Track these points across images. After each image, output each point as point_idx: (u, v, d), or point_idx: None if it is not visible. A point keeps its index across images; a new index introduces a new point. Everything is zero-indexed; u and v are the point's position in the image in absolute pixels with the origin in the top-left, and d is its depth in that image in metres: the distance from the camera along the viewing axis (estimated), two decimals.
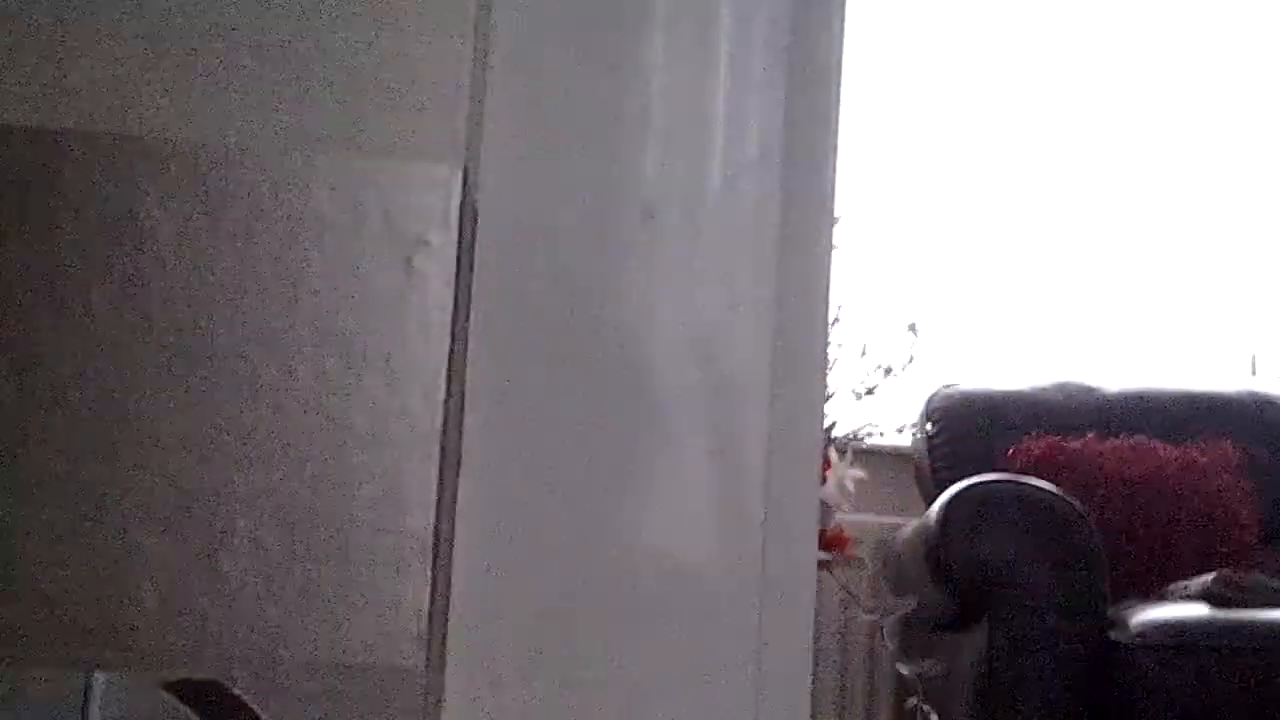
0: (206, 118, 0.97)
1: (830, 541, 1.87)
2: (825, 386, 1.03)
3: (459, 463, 0.94)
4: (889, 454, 3.46)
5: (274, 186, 0.92)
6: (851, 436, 2.07)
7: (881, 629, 1.94)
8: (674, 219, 0.98)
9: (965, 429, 3.24)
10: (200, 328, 0.92)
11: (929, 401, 3.31)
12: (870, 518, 3.36)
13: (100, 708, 0.69)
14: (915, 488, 3.38)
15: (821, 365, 1.04)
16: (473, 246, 0.95)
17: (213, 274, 0.92)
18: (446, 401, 0.93)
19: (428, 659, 0.92)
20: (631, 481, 0.96)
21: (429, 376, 0.93)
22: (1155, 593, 2.90)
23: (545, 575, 0.94)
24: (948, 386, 3.33)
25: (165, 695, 0.70)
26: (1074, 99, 3.78)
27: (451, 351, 0.94)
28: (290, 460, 0.91)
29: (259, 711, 0.87)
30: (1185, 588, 2.83)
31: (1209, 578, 2.78)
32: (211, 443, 0.91)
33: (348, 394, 0.92)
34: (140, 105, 0.98)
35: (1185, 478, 3.09)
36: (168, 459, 0.90)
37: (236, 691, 0.84)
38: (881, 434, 2.20)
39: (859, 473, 1.96)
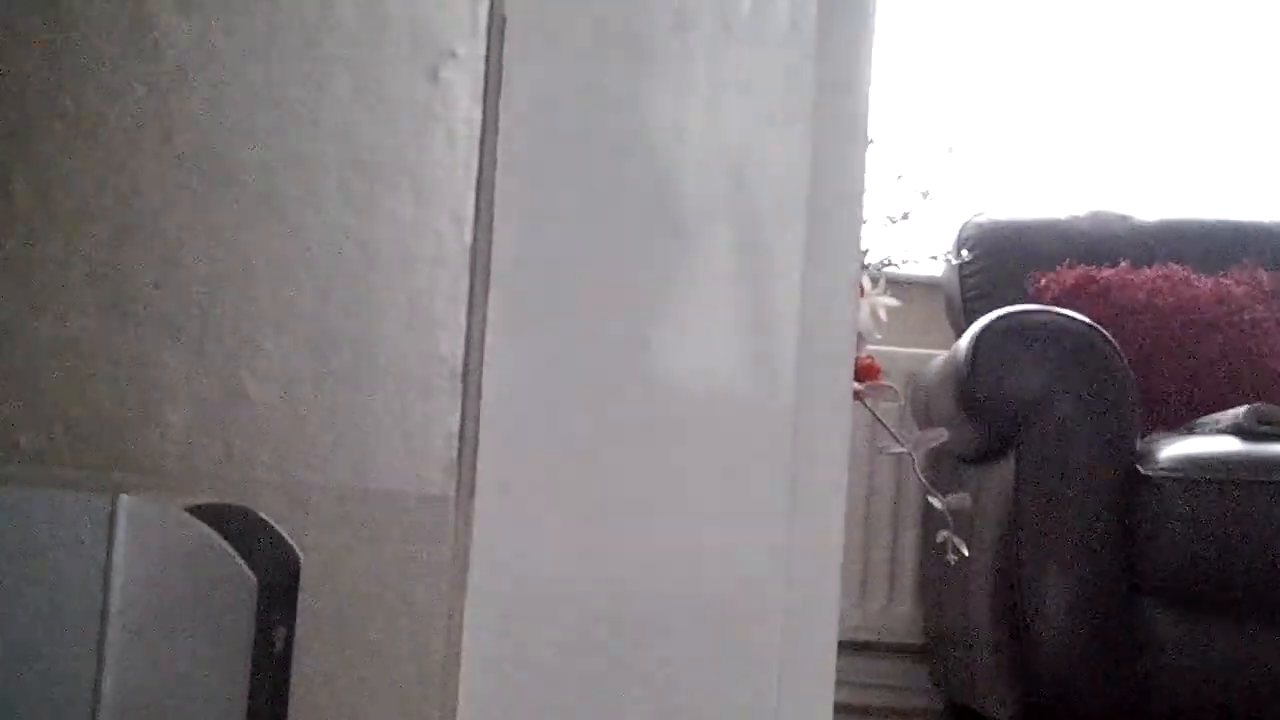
0: None
1: (862, 371, 1.85)
2: (862, 208, 1.00)
3: (488, 284, 0.92)
4: (920, 284, 3.44)
5: None
6: (885, 263, 2.04)
7: (912, 461, 1.92)
8: (707, 29, 0.95)
9: (997, 258, 3.22)
10: (221, 143, 0.89)
11: (961, 230, 3.28)
12: (901, 349, 3.35)
13: (127, 532, 0.68)
14: (945, 319, 3.36)
15: (860, 186, 1.01)
16: (501, 58, 0.92)
17: (232, 86, 0.89)
18: (475, 220, 0.91)
19: (457, 486, 0.91)
20: (662, 305, 0.94)
21: (457, 194, 0.90)
22: (1186, 425, 2.89)
23: (575, 401, 0.93)
24: (980, 215, 3.30)
25: (193, 521, 0.69)
26: None
27: (480, 168, 0.91)
28: (315, 281, 0.89)
29: (288, 539, 0.86)
30: (1216, 421, 2.82)
31: (1240, 411, 2.77)
32: (234, 263, 0.88)
33: (373, 212, 0.89)
34: None
35: (1219, 308, 3.06)
36: (190, 279, 0.88)
37: (264, 517, 0.83)
38: (916, 261, 2.16)
39: (892, 301, 1.93)
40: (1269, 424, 2.73)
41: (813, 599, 0.96)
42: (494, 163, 0.92)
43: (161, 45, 0.89)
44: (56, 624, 0.67)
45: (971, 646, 2.82)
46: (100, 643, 0.67)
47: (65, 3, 0.88)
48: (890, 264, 2.06)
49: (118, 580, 0.68)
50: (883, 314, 1.92)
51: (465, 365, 0.91)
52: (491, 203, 0.92)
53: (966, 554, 2.04)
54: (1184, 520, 2.54)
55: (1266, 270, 3.17)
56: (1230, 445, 2.65)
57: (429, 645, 0.89)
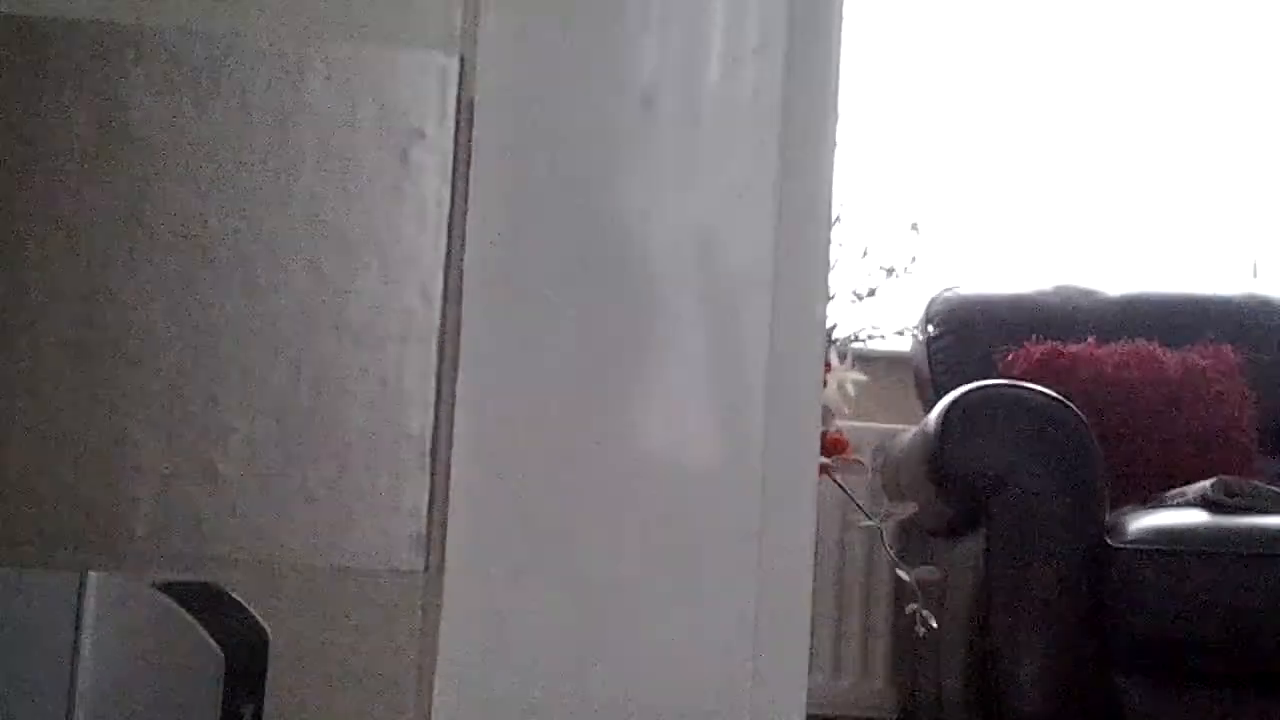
0: (195, 4, 0.94)
1: (830, 446, 1.86)
2: (828, 284, 1.01)
3: (457, 361, 0.92)
4: (888, 359, 3.46)
5: (266, 76, 0.90)
6: (852, 338, 2.05)
7: (881, 534, 1.93)
8: (673, 108, 0.96)
9: (965, 333, 3.23)
10: (192, 223, 0.90)
11: (929, 305, 3.30)
12: (869, 424, 3.36)
13: (95, 610, 0.68)
14: (914, 394, 3.37)
15: (824, 261, 1.02)
16: (470, 138, 0.93)
17: (204, 167, 0.90)
18: (444, 298, 0.92)
19: (426, 562, 0.91)
20: (631, 382, 0.94)
21: (426, 272, 0.91)
22: (1154, 498, 2.90)
23: (545, 477, 0.93)
24: (948, 290, 3.31)
25: (161, 597, 0.69)
26: (1078, 3, 3.74)
27: (449, 246, 0.92)
28: (286, 359, 0.89)
29: (256, 615, 0.86)
30: (1184, 494, 2.83)
31: (1208, 483, 2.78)
32: (206, 342, 0.89)
33: (343, 290, 0.90)
34: None
35: (1186, 382, 3.08)
36: (161, 358, 0.89)
37: (232, 594, 0.83)
38: (883, 337, 2.18)
39: (860, 376, 1.95)
40: (1236, 495, 2.74)
41: (781, 670, 0.96)
42: (463, 241, 0.93)
43: (132, 130, 0.90)
44: (25, 701, 0.67)
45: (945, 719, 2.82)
46: (68, 714, 0.67)
47: (38, 85, 0.89)
48: (858, 340, 2.07)
49: (86, 657, 0.68)
50: (850, 389, 1.93)
51: (434, 441, 0.91)
52: (461, 280, 0.93)
53: (935, 626, 2.04)
54: (1154, 592, 2.55)
55: (1231, 344, 3.19)
56: (1198, 517, 2.66)
57: (399, 718, 0.89)
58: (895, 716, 3.34)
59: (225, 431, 0.89)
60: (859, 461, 1.87)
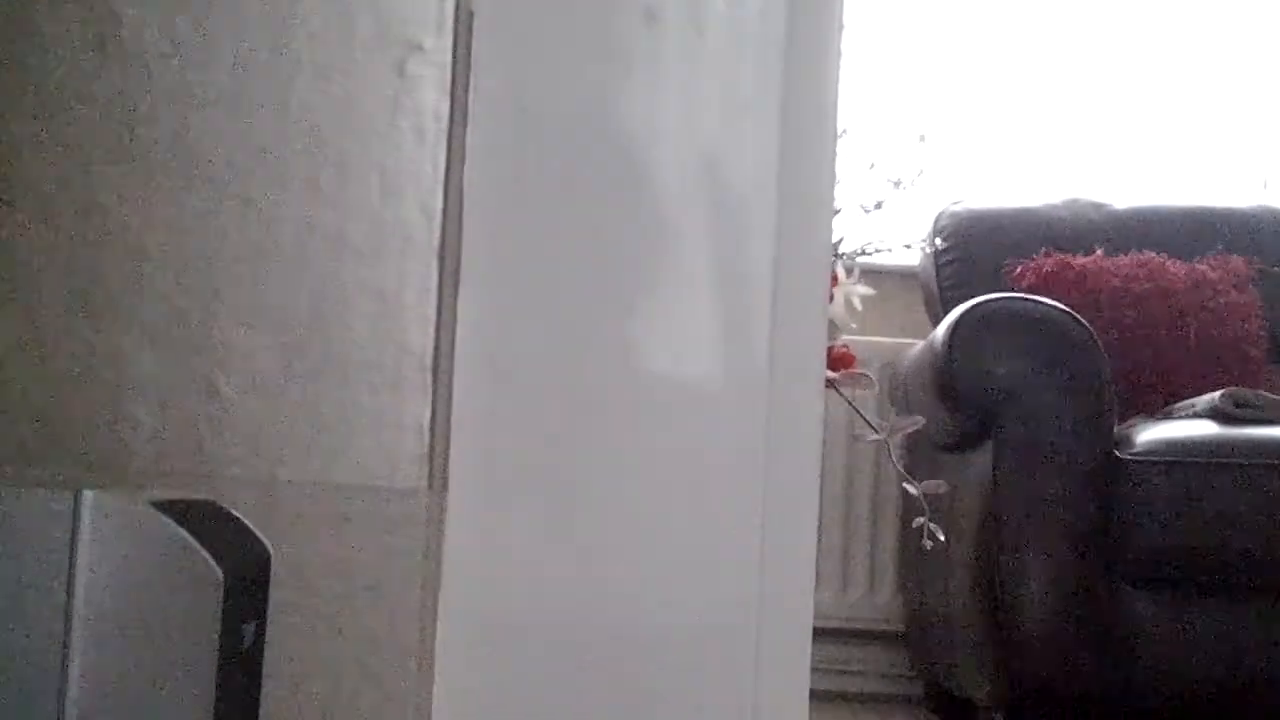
0: None
1: (836, 360, 1.85)
2: (834, 198, 1.00)
3: (458, 278, 0.92)
4: (896, 273, 3.44)
5: None
6: (859, 252, 2.04)
7: (888, 448, 1.93)
8: (676, 21, 0.95)
9: (973, 247, 3.22)
10: (186, 140, 0.89)
11: (937, 219, 3.28)
12: (877, 338, 3.35)
13: (90, 528, 0.68)
14: (922, 308, 3.36)
15: (830, 175, 1.01)
16: (469, 52, 0.92)
17: (200, 84, 0.89)
18: (444, 213, 0.91)
19: (430, 479, 0.91)
20: (634, 297, 0.94)
21: (425, 187, 0.90)
22: (1163, 410, 2.90)
23: (548, 394, 0.93)
24: (955, 204, 3.30)
25: (158, 515, 0.69)
26: None
27: (449, 162, 0.91)
28: (285, 276, 0.89)
29: (258, 533, 0.86)
30: (1193, 405, 2.83)
31: (1217, 395, 2.78)
32: (203, 259, 0.88)
33: (341, 206, 0.89)
34: None
35: (1195, 294, 3.07)
36: (159, 276, 0.88)
37: (232, 511, 0.83)
38: (890, 250, 2.17)
39: (867, 289, 1.94)
40: (1245, 406, 2.73)
41: (789, 583, 0.96)
42: (463, 157, 0.92)
43: (126, 45, 0.89)
44: (19, 621, 0.67)
45: (952, 633, 2.83)
46: (65, 640, 0.67)
47: (30, 8, 0.88)
48: (865, 253, 2.06)
49: (81, 576, 0.68)
50: (857, 303, 1.92)
51: (435, 358, 0.91)
52: (461, 196, 0.92)
53: (943, 540, 2.05)
54: (1162, 503, 2.55)
55: (1241, 256, 3.17)
56: (1207, 428, 2.66)
57: (403, 638, 0.89)
58: (902, 629, 3.35)
59: (224, 348, 0.88)
60: (865, 376, 1.87)
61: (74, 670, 0.67)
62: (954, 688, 2.92)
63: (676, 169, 0.95)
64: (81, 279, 0.88)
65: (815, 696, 1.00)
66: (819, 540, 0.99)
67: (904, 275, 3.46)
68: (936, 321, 2.96)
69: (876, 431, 1.87)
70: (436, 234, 0.90)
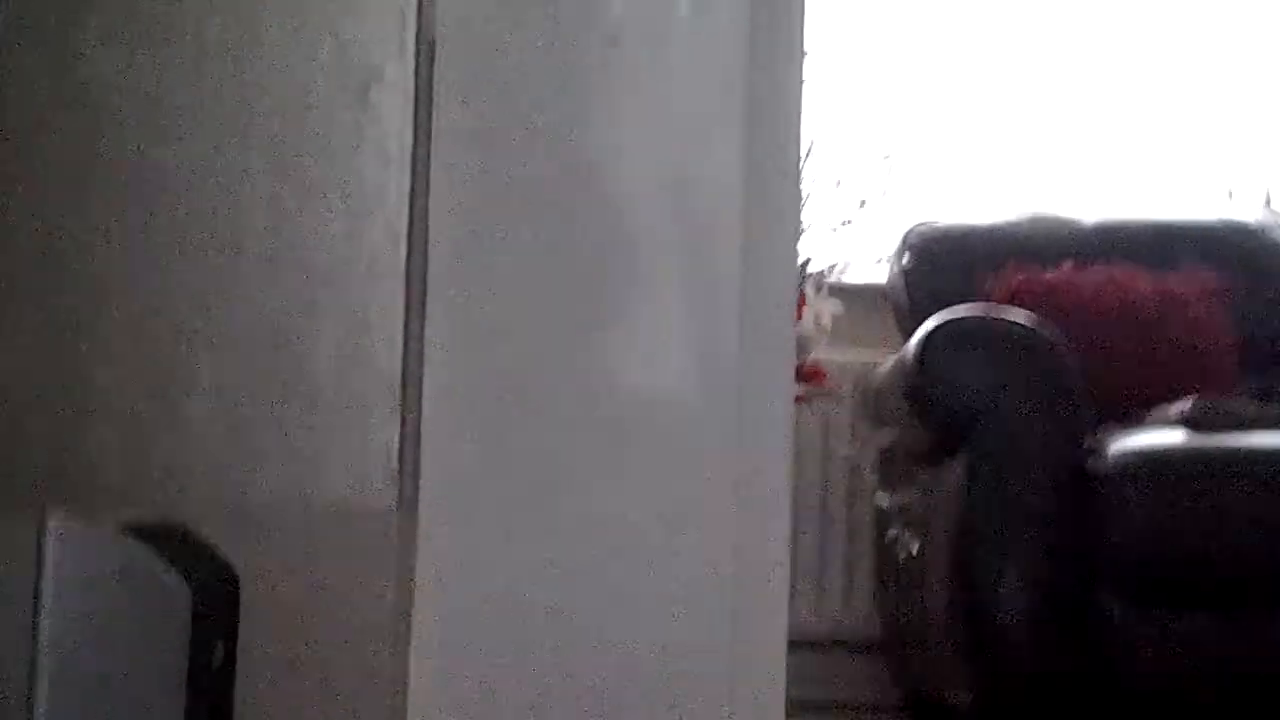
0: None
1: (807, 375, 1.87)
2: (800, 219, 1.01)
3: (425, 298, 0.92)
4: (865, 290, 3.45)
5: (219, 19, 0.89)
6: (827, 271, 2.05)
7: (871, 463, 1.94)
8: (639, 47, 0.96)
9: (942, 262, 3.23)
10: (150, 164, 0.89)
11: (905, 236, 3.29)
12: (847, 356, 3.36)
13: (56, 553, 0.68)
14: (892, 324, 3.37)
15: (795, 197, 1.02)
16: (431, 77, 0.93)
17: (161, 110, 0.89)
18: (410, 236, 0.91)
19: (399, 499, 0.91)
20: (604, 318, 0.94)
21: (390, 210, 0.91)
22: (1133, 420, 2.91)
23: (518, 413, 0.93)
24: (924, 221, 3.31)
25: (125, 538, 0.69)
26: None
27: (413, 185, 0.92)
28: (250, 300, 0.89)
29: (227, 556, 0.86)
30: (1165, 414, 2.84)
31: (1187, 403, 2.79)
32: (168, 285, 0.89)
33: (306, 228, 0.90)
34: None
35: (1163, 306, 3.08)
36: (124, 300, 0.89)
37: (199, 534, 0.83)
38: (857, 269, 2.18)
39: (835, 307, 1.95)
40: (1215, 415, 2.75)
41: (762, 596, 0.97)
42: (427, 180, 0.93)
43: (87, 74, 0.90)
44: None
45: (929, 642, 2.84)
46: (32, 662, 0.67)
47: None
48: (832, 272, 2.08)
49: (47, 601, 0.68)
50: (827, 320, 1.93)
51: (404, 378, 0.91)
52: (426, 219, 0.92)
53: (914, 554, 2.06)
54: (1136, 513, 2.56)
55: (1209, 269, 3.19)
56: (1178, 439, 2.67)
57: (375, 657, 0.89)
58: (880, 638, 3.36)
59: (190, 372, 0.89)
60: (834, 390, 1.88)
61: (41, 690, 0.68)
62: (932, 696, 2.92)
63: (641, 189, 0.95)
64: (46, 305, 0.88)
65: (794, 706, 1.00)
66: (794, 554, 0.99)
67: (873, 291, 3.47)
68: (908, 337, 2.97)
69: (849, 445, 1.88)
70: (402, 256, 0.91)
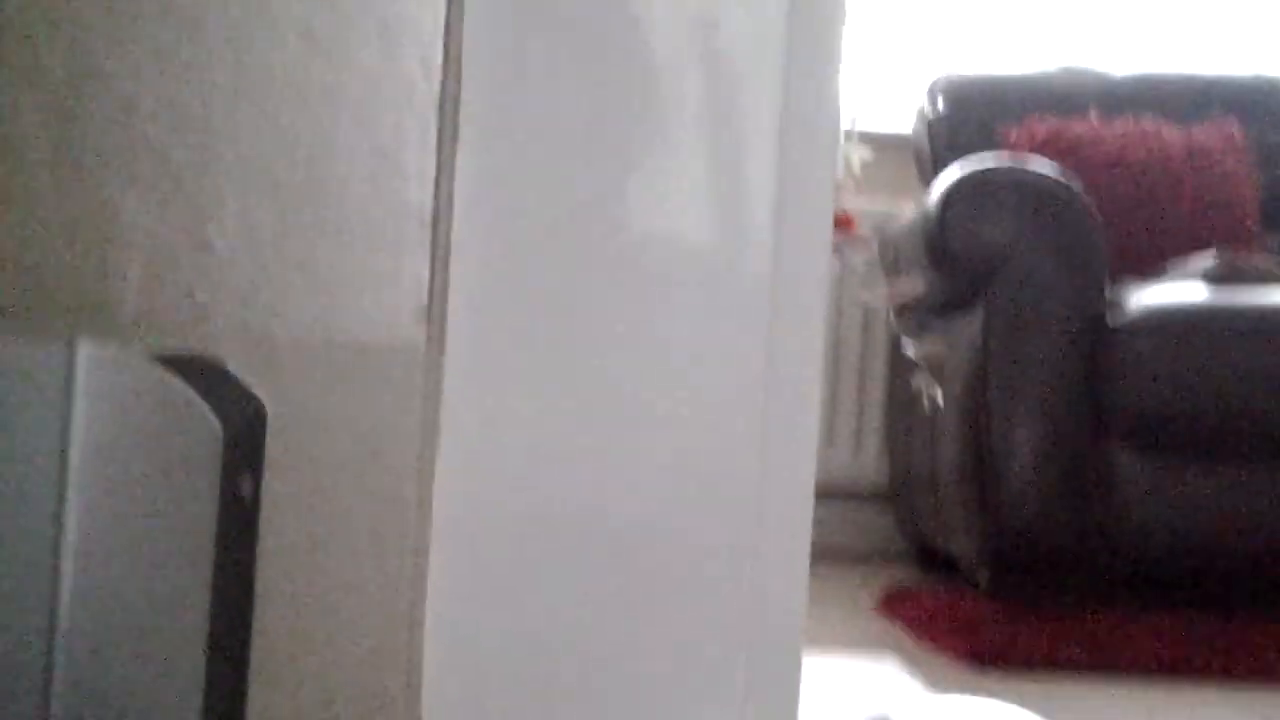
0: None
1: (836, 223, 1.85)
2: (842, 54, 0.99)
3: (457, 133, 0.90)
4: (891, 139, 3.42)
5: None
6: (855, 119, 2.03)
7: (885, 310, 1.93)
8: None
9: (967, 113, 3.20)
10: None
11: (932, 85, 3.26)
12: (871, 204, 3.34)
13: (86, 380, 0.67)
14: (915, 174, 3.35)
15: (838, 34, 0.99)
16: None
17: None
18: (445, 67, 0.89)
19: (428, 337, 0.90)
20: (635, 159, 0.93)
21: (426, 41, 0.88)
22: (1154, 272, 2.90)
23: (547, 254, 0.92)
24: (950, 70, 3.27)
25: (155, 366, 0.68)
26: None
27: (449, 14, 0.89)
28: (280, 130, 0.87)
29: (253, 390, 0.85)
30: (1185, 267, 2.83)
31: (1209, 258, 2.78)
32: (195, 113, 0.87)
33: (339, 58, 0.87)
34: None
35: (1189, 160, 3.05)
36: (150, 127, 0.86)
37: (229, 367, 0.82)
38: (882, 117, 2.15)
39: (866, 153, 1.92)
40: (1235, 269, 2.74)
41: (790, 454, 0.96)
42: (462, 11, 0.90)
43: None
44: (13, 475, 0.66)
45: (938, 492, 2.85)
46: (61, 491, 0.67)
47: None
48: (858, 123, 2.05)
49: (77, 429, 0.67)
50: (857, 165, 1.91)
51: (434, 215, 0.90)
52: (461, 49, 0.90)
53: (941, 405, 2.06)
54: (1151, 367, 2.56)
55: (1238, 123, 3.16)
56: (1196, 294, 2.66)
57: (399, 492, 0.89)
58: (888, 488, 3.38)
59: (217, 202, 0.87)
60: (865, 239, 1.86)
61: (70, 519, 0.67)
62: (939, 545, 2.95)
63: (676, 25, 0.93)
64: (68, 128, 0.86)
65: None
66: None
67: (898, 141, 3.44)
68: (929, 186, 2.95)
69: (872, 295, 1.87)
70: (437, 88, 0.89)
